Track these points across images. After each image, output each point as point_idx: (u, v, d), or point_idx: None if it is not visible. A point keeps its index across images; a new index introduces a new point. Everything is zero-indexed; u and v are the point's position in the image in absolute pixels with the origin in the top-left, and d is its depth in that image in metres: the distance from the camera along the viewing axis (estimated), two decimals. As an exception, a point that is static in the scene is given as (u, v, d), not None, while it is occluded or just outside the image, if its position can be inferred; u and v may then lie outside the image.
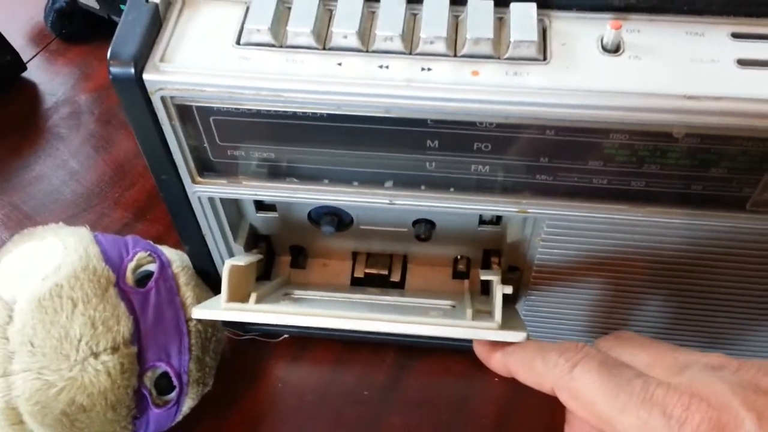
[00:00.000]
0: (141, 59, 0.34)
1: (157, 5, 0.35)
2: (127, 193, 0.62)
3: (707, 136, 0.33)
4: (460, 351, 0.52)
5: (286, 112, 0.35)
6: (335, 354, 0.53)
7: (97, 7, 0.68)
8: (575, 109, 0.33)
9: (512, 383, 0.51)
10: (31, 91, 0.70)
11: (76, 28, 0.72)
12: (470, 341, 0.50)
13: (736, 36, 0.34)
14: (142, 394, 0.42)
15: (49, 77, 0.71)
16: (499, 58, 0.34)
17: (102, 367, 0.40)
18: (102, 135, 0.66)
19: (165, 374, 0.43)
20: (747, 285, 0.41)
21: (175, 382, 0.43)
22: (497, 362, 0.37)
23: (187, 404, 0.45)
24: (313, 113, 0.35)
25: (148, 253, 0.45)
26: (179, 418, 0.46)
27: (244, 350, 0.53)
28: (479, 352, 0.38)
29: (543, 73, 0.33)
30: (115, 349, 0.40)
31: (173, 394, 0.44)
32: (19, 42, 0.72)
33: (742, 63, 0.33)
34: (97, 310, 0.40)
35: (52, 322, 0.39)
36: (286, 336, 0.54)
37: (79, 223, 0.60)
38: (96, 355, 0.40)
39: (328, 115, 0.35)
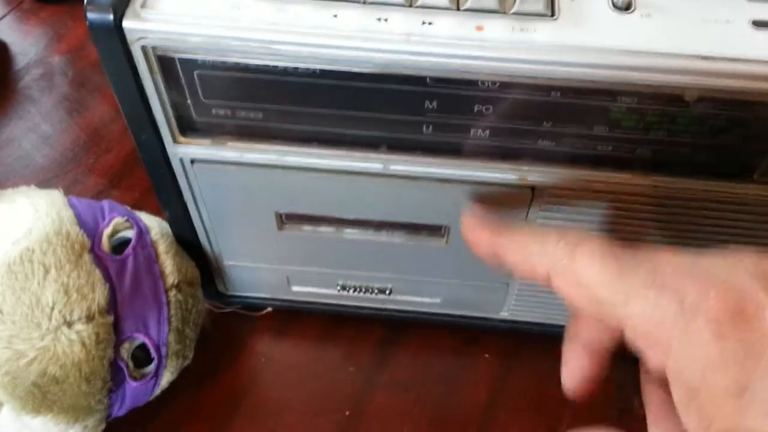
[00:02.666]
0: (120, 5, 0.31)
1: (138, -53, 0.32)
2: (102, 159, 0.59)
3: (720, 100, 0.32)
4: (450, 326, 0.50)
5: (276, 67, 0.33)
6: (320, 329, 0.52)
7: (72, -36, 0.65)
8: (584, 68, 0.31)
9: (502, 361, 0.50)
10: (1, 51, 0.66)
11: (50, -13, 0.69)
12: (457, 315, 0.49)
13: (751, -4, 0.32)
14: (119, 367, 0.40)
15: (20, 37, 0.68)
16: (504, 12, 0.32)
17: (76, 337, 0.37)
18: (76, 98, 0.63)
19: (143, 346, 0.41)
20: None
21: (154, 354, 0.41)
22: (486, 243, 0.33)
23: (166, 378, 0.43)
24: (304, 69, 0.33)
25: (126, 218, 0.42)
26: (157, 392, 0.43)
27: (225, 324, 0.51)
28: (467, 231, 0.34)
29: (551, 30, 0.31)
30: (90, 318, 0.38)
31: (151, 367, 0.42)
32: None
33: (758, 24, 0.31)
34: (70, 276, 0.38)
35: (22, 289, 0.37)
36: (269, 309, 0.52)
37: (56, 183, 0.58)
38: (69, 324, 0.37)
39: (321, 71, 0.33)
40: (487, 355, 0.51)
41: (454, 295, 0.47)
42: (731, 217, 0.37)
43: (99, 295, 0.38)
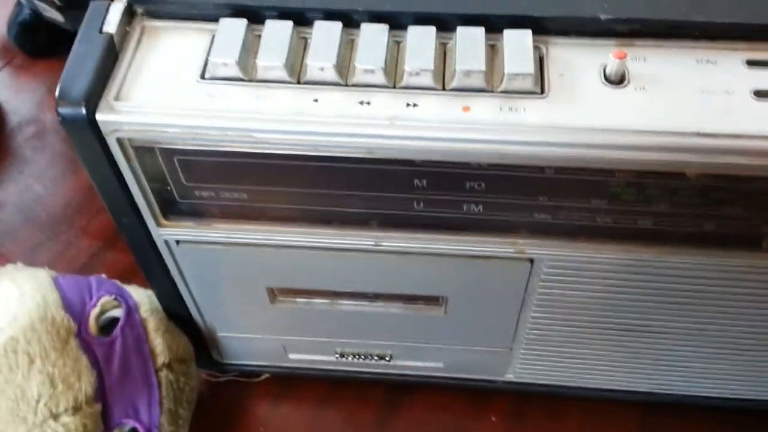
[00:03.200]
0: (93, 98, 0.30)
1: (112, 36, 0.31)
2: (95, 220, 0.58)
3: (723, 175, 0.30)
4: (451, 387, 0.49)
5: (258, 152, 0.32)
6: (320, 393, 0.50)
7: (63, 20, 0.64)
8: (577, 149, 0.30)
9: (509, 423, 0.49)
10: (-7, 111, 0.66)
11: (41, 42, 0.68)
12: (461, 378, 0.48)
13: (751, 63, 0.31)
14: (109, 455, 0.39)
15: (13, 94, 0.67)
16: (492, 91, 0.30)
17: (63, 430, 0.36)
18: (69, 156, 0.63)
19: (134, 431, 0.40)
20: (765, 326, 0.38)
21: (145, 438, 0.40)
22: None
23: (160, 460, 0.42)
24: (287, 154, 0.31)
25: (114, 297, 0.41)
26: (151, 474, 0.42)
27: (222, 392, 0.50)
28: None
29: (541, 109, 0.30)
30: (76, 409, 0.37)
31: (143, 452, 0.40)
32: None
33: (760, 94, 0.30)
34: (56, 366, 0.37)
35: (7, 381, 0.36)
36: (267, 375, 0.50)
37: (44, 253, 0.57)
38: (56, 417, 0.36)
39: (305, 155, 0.31)
40: (493, 418, 0.49)
41: (457, 360, 0.46)
42: (740, 286, 0.36)
43: (85, 383, 0.37)
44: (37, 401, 0.36)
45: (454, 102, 0.30)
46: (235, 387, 0.50)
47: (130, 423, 0.39)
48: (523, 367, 0.46)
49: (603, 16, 0.31)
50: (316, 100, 0.30)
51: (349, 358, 0.46)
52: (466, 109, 0.30)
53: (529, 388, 0.48)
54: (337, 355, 0.46)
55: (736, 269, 0.35)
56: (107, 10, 0.32)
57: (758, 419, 0.48)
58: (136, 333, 0.41)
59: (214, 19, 0.32)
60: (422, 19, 0.31)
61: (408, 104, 0.30)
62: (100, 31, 0.31)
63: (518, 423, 0.49)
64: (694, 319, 0.39)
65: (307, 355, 0.47)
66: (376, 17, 0.31)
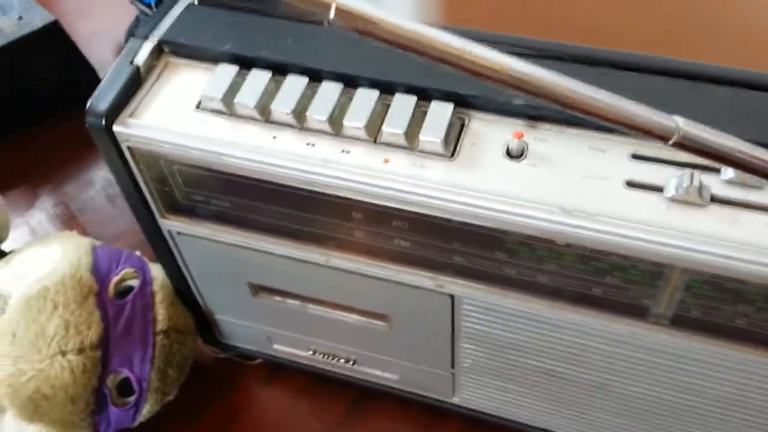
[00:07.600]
0: (113, 113, 0.40)
1: (138, 67, 0.41)
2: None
3: (589, 247, 0.35)
4: (409, 401, 0.55)
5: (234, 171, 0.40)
6: (301, 384, 0.58)
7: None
8: (464, 207, 0.36)
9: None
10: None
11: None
12: (415, 393, 0.53)
13: (635, 157, 0.36)
14: (103, 393, 0.48)
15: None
16: (412, 149, 0.37)
17: (67, 365, 0.46)
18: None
19: (128, 379, 0.49)
20: (650, 392, 0.42)
21: (136, 387, 0.49)
22: None
23: (147, 409, 0.51)
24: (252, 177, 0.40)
25: (135, 269, 0.51)
26: (139, 418, 0.51)
27: (221, 368, 0.59)
28: None
29: (445, 169, 0.36)
30: (81, 351, 0.46)
31: (132, 398, 0.49)
32: (102, 58, 0.80)
33: (631, 184, 0.35)
34: (73, 314, 0.47)
35: (33, 320, 0.46)
36: (260, 360, 0.59)
37: (111, 226, 0.68)
38: (63, 354, 0.46)
39: (267, 180, 0.39)
40: (445, 432, 0.55)
41: (409, 375, 0.52)
42: (627, 350, 0.40)
43: (93, 333, 0.47)
44: (52, 339, 0.46)
45: (379, 153, 0.37)
46: (232, 365, 0.59)
47: (125, 371, 0.49)
48: (466, 393, 0.51)
49: (517, 101, 0.37)
50: (274, 137, 0.38)
51: (320, 357, 0.54)
52: (387, 160, 0.37)
53: (475, 415, 0.53)
54: (311, 352, 0.54)
55: (620, 333, 0.39)
56: (140, 47, 0.42)
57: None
58: (145, 301, 0.50)
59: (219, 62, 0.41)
60: (373, 83, 0.39)
61: (343, 150, 0.38)
62: (131, 63, 0.41)
63: (471, 434, 0.54)
64: (597, 374, 0.43)
65: (287, 348, 0.55)
66: (337, 77, 0.39)
